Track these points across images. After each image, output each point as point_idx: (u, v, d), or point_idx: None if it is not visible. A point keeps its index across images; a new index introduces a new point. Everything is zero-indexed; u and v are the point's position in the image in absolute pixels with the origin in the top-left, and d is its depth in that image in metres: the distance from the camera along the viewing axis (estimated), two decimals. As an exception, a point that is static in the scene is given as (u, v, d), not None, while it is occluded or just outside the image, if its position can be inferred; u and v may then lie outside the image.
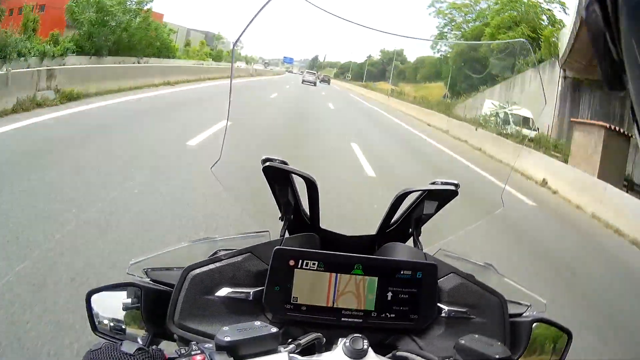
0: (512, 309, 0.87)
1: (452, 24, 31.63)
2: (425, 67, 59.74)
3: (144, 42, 31.17)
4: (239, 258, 0.79)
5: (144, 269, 0.85)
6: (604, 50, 0.33)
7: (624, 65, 0.32)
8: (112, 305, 0.76)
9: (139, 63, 27.95)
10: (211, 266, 0.78)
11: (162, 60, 33.19)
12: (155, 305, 0.77)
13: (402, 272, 0.78)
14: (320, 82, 45.29)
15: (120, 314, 0.76)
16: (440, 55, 35.58)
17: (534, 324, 0.85)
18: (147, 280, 0.83)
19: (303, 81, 36.95)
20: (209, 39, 73.63)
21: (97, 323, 0.76)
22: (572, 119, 14.05)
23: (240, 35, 0.91)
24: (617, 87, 0.34)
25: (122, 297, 0.77)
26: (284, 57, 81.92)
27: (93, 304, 0.76)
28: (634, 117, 0.34)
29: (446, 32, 32.13)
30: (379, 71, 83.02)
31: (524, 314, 0.90)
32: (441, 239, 1.06)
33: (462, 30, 31.35)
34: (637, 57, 0.30)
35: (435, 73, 58.82)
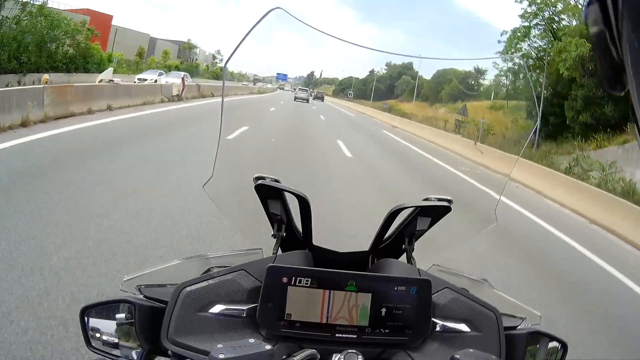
0: (506, 322, 0.87)
1: (541, 17, 19.01)
2: (452, 83, 48.15)
3: (37, 48, 18.91)
4: (232, 275, 0.79)
5: (137, 286, 0.83)
6: (604, 50, 0.33)
7: (624, 65, 0.31)
8: (106, 321, 0.76)
9: (20, 84, 15.69)
10: (204, 283, 0.77)
11: (72, 75, 21.00)
12: (148, 321, 0.76)
13: (395, 288, 0.77)
14: (313, 99, 43.46)
15: (115, 330, 0.76)
16: (514, 65, 22.66)
17: (529, 337, 0.85)
18: (141, 296, 0.81)
19: (295, 98, 35.13)
20: (183, 51, 61.95)
21: (91, 338, 0.75)
22: None
23: (231, 54, 0.90)
24: (617, 87, 0.33)
25: (116, 313, 0.76)
26: (277, 74, 76.08)
27: (87, 320, 0.76)
28: (634, 117, 0.33)
29: (534, 25, 19.63)
30: (386, 88, 71.61)
31: (519, 327, 0.90)
32: (435, 254, 1.09)
33: (567, 25, 18.76)
34: (637, 57, 0.30)
35: (463, 90, 47.01)
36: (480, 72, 47.05)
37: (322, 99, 48.10)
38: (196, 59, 61.70)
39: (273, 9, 0.85)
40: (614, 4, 0.31)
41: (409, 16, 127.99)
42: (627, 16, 0.30)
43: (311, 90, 56.00)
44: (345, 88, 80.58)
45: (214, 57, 66.33)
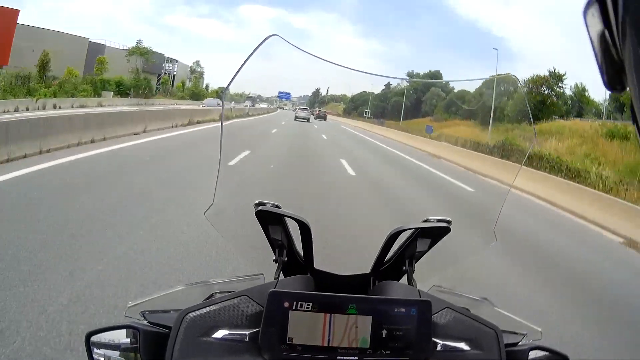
0: (508, 339, 0.87)
1: None
2: (516, 94, 33.98)
3: None
4: (235, 301, 0.80)
5: (141, 312, 0.84)
6: (604, 50, 0.33)
7: (624, 65, 0.31)
8: (111, 346, 0.77)
9: None
10: (207, 309, 0.78)
11: None
12: (153, 347, 0.77)
13: (396, 310, 0.78)
14: (315, 118, 42.66)
15: (119, 355, 0.77)
16: None
17: (531, 352, 0.86)
18: (145, 322, 0.82)
19: (296, 118, 35.35)
20: (152, 65, 48.49)
21: None
22: None
23: (230, 82, 0.94)
24: (617, 87, 0.33)
25: (120, 339, 0.77)
26: (279, 93, 66.01)
27: (92, 345, 0.76)
28: (634, 117, 0.33)
29: None
30: (412, 103, 57.79)
31: (520, 343, 0.90)
32: (435, 275, 1.11)
33: None
34: (637, 57, 0.30)
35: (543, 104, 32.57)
36: (557, 78, 32.92)
37: (324, 118, 45.49)
38: (165, 73, 48.45)
39: (270, 36, 0.87)
40: (614, 4, 0.31)
41: (412, 28, 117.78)
42: (629, 17, 0.30)
43: (315, 108, 56.74)
44: (358, 105, 66.91)
45: (192, 71, 52.72)
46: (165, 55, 48.74)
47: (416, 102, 54.79)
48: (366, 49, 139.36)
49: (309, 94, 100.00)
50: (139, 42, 39.97)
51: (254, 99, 59.78)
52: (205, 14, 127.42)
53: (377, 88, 67.02)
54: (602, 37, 0.32)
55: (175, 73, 52.90)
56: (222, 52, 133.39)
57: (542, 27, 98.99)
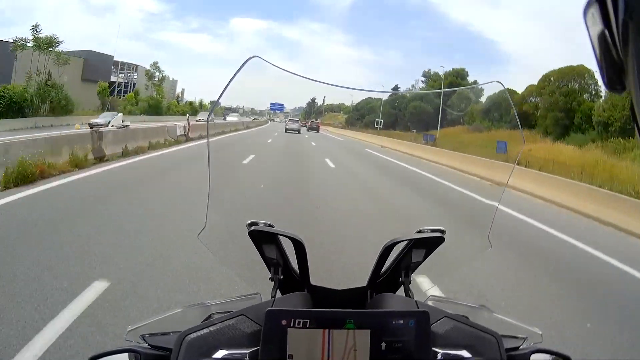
0: (508, 344, 0.87)
1: None
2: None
3: None
4: (233, 321, 0.80)
5: (141, 335, 0.84)
6: (604, 50, 0.33)
7: (624, 65, 0.32)
8: None
9: None
10: (206, 330, 0.79)
11: None
12: None
13: (394, 322, 0.78)
14: (308, 130, 43.14)
15: None
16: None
17: (532, 355, 0.86)
18: (145, 345, 0.82)
19: (286, 129, 36.10)
20: (98, 71, 37.03)
21: None
22: None
23: (212, 107, 1.10)
24: (617, 87, 0.33)
25: None
26: (271, 104, 61.11)
27: None
28: (634, 117, 0.33)
29: None
30: (434, 110, 47.11)
31: (521, 347, 0.90)
32: (431, 284, 1.15)
33: None
34: (638, 57, 0.30)
35: None
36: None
37: (317, 129, 45.12)
38: (114, 81, 37.65)
39: (250, 58, 0.86)
40: (614, 4, 0.30)
41: (402, 35, 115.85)
42: (627, 16, 0.30)
43: (312, 118, 56.89)
44: (364, 114, 56.24)
45: (150, 76, 41.28)
46: (115, 58, 37.74)
47: (438, 107, 44.14)
48: (358, 57, 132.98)
49: (304, 104, 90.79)
50: (35, 28, 25.61)
51: (234, 110, 49.72)
52: (197, 28, 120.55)
53: (383, 94, 56.84)
54: (602, 37, 0.32)
55: (135, 81, 42.10)
56: (214, 66, 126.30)
57: (533, 30, 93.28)
